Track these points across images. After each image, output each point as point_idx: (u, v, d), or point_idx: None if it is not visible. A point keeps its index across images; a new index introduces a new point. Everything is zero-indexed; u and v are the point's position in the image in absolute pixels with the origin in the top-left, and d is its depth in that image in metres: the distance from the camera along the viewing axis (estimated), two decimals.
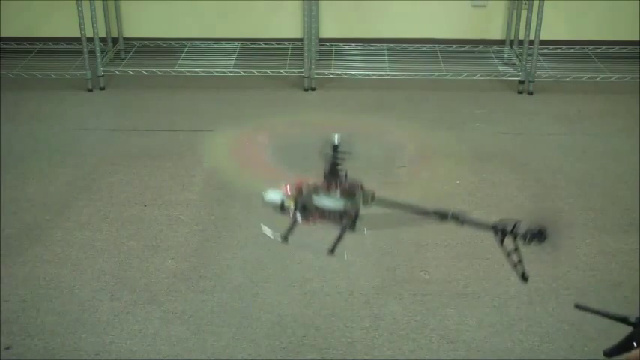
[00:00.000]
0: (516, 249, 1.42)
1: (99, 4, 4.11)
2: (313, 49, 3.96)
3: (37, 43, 4.28)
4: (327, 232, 1.46)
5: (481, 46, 4.30)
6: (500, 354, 2.06)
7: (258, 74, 3.94)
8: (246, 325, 2.16)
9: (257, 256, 2.49)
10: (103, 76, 3.91)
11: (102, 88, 3.92)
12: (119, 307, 2.23)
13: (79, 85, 3.91)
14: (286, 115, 3.61)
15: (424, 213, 1.54)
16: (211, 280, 2.36)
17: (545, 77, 3.90)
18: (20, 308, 2.23)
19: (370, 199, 1.51)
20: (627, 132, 3.43)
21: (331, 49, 4.29)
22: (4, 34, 4.28)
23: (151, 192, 2.89)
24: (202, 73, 3.94)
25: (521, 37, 4.05)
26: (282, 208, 1.48)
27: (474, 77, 3.92)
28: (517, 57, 4.11)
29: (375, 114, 3.65)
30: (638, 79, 3.86)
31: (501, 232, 1.42)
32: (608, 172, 3.06)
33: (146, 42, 4.34)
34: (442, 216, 1.53)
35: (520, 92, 3.90)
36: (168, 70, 3.96)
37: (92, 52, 3.85)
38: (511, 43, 4.25)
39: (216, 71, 3.95)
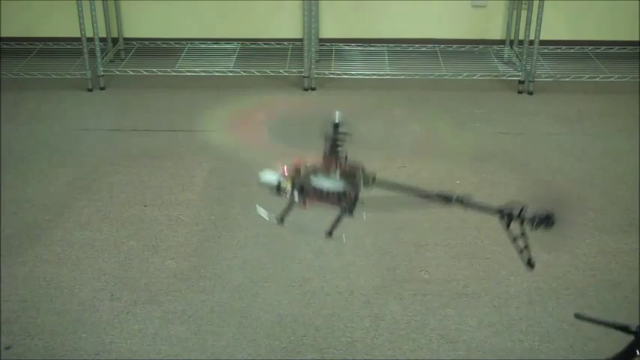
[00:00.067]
0: (523, 234, 1.36)
1: (99, 4, 4.11)
2: (313, 49, 3.96)
3: (37, 43, 4.28)
4: (325, 215, 1.40)
5: (481, 46, 4.30)
6: (500, 354, 2.06)
7: (258, 74, 3.94)
8: (246, 325, 2.16)
9: (257, 256, 2.49)
10: (103, 76, 3.91)
11: (102, 88, 3.92)
12: (119, 307, 2.23)
13: (79, 85, 3.91)
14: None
15: (427, 196, 1.46)
16: (211, 280, 2.36)
17: (545, 77, 3.90)
18: (20, 308, 2.23)
19: (371, 180, 1.45)
20: (627, 132, 3.43)
21: (331, 49, 4.29)
22: (4, 34, 4.28)
23: (151, 192, 2.89)
24: (202, 73, 3.94)
25: (521, 37, 4.05)
26: (278, 189, 1.42)
27: (474, 77, 3.92)
28: (517, 57, 4.11)
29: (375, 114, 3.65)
30: (638, 79, 3.86)
31: (507, 216, 1.37)
32: (608, 172, 3.06)
33: (146, 42, 4.34)
34: (446, 199, 1.45)
35: (520, 92, 3.90)
36: (168, 70, 3.96)
37: (92, 52, 3.85)
38: (511, 43, 4.25)
39: (216, 71, 3.95)
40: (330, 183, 1.40)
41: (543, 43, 3.88)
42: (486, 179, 2.98)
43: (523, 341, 2.10)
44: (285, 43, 4.30)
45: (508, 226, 1.38)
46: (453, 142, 3.32)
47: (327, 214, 1.40)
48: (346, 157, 1.41)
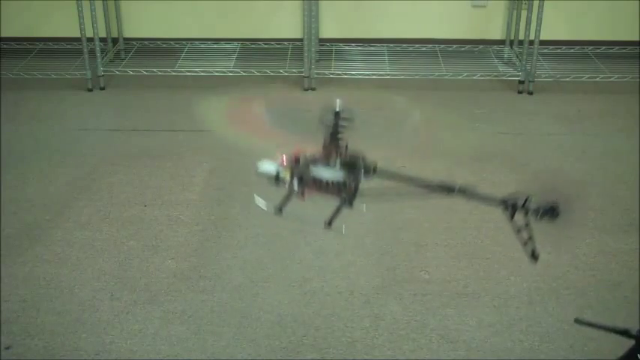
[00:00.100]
0: (527, 225, 1.33)
1: (99, 4, 4.11)
2: (313, 49, 3.96)
3: (37, 43, 4.28)
4: (325, 205, 1.37)
5: (481, 46, 4.30)
6: (500, 354, 2.06)
7: (258, 74, 3.94)
8: (246, 325, 2.16)
9: (257, 256, 2.49)
10: (103, 76, 3.91)
11: (102, 88, 3.92)
12: (119, 307, 2.23)
13: (79, 85, 3.91)
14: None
15: (429, 186, 1.43)
16: (211, 280, 2.36)
17: (545, 77, 3.90)
18: (20, 308, 2.23)
19: (372, 170, 1.40)
20: (627, 132, 3.43)
21: (331, 49, 4.29)
22: (4, 34, 4.28)
23: (151, 192, 2.89)
24: (202, 73, 3.94)
25: (521, 37, 4.05)
26: (277, 179, 1.38)
27: (474, 77, 3.92)
28: (517, 57, 4.11)
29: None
30: (638, 79, 3.86)
31: (512, 206, 1.33)
32: (608, 172, 3.06)
33: (146, 42, 4.34)
34: (448, 189, 1.42)
35: (520, 92, 3.90)
36: (168, 70, 3.96)
37: (92, 52, 3.85)
38: (511, 43, 4.25)
39: (216, 71, 3.95)
40: (329, 173, 1.36)
41: (543, 43, 3.88)
42: (486, 179, 2.98)
43: (523, 341, 2.10)
44: (285, 43, 4.30)
45: (512, 216, 1.33)
46: (453, 142, 3.32)
47: (326, 204, 1.37)
48: (347, 146, 1.38)
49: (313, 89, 3.90)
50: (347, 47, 4.30)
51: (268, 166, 1.38)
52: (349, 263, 2.45)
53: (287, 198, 1.38)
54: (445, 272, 2.40)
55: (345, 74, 3.94)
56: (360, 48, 4.30)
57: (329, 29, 4.29)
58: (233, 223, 2.68)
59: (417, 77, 3.94)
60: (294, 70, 3.95)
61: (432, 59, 4.15)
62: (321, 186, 1.35)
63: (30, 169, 3.07)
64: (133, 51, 4.30)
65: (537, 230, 1.36)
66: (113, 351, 2.06)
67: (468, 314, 2.21)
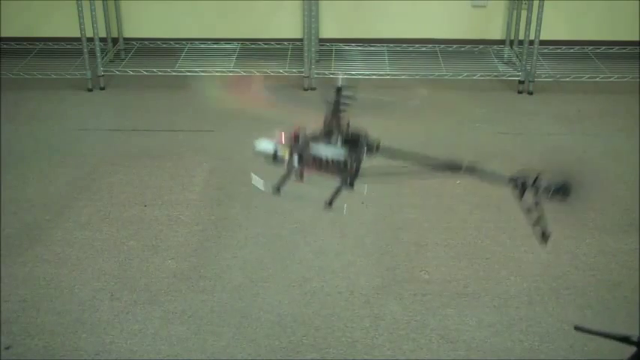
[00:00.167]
0: (537, 204, 1.26)
1: (99, 4, 4.11)
2: (313, 49, 3.96)
3: (37, 43, 4.28)
4: (325, 186, 1.32)
5: (481, 46, 4.30)
6: (500, 354, 2.06)
7: (258, 74, 3.94)
8: (246, 325, 2.16)
9: (257, 256, 2.49)
10: (103, 76, 3.91)
11: (102, 88, 3.92)
12: (119, 307, 2.23)
13: (79, 85, 3.91)
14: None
15: (435, 165, 1.34)
16: (211, 280, 2.36)
17: (545, 77, 3.90)
18: (20, 308, 2.23)
19: (375, 148, 1.34)
20: (627, 132, 3.43)
21: (331, 49, 4.29)
22: (4, 34, 4.28)
23: (151, 192, 2.89)
24: (202, 73, 3.94)
25: (521, 37, 4.05)
26: (274, 158, 1.31)
27: (474, 77, 3.92)
28: (517, 57, 4.11)
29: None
30: (638, 79, 3.86)
31: (521, 185, 1.26)
32: (608, 172, 3.06)
33: (146, 42, 4.34)
34: (455, 168, 1.33)
35: (520, 92, 3.90)
36: (168, 70, 3.96)
37: (92, 52, 3.85)
38: (511, 43, 4.25)
39: (216, 71, 3.95)
40: (330, 150, 1.30)
41: (543, 43, 3.88)
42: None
43: (523, 341, 2.10)
44: (285, 43, 4.30)
45: (522, 195, 1.27)
46: (452, 142, 3.32)
47: (326, 185, 1.32)
48: (349, 123, 1.32)
49: (313, 89, 3.90)
50: (347, 47, 4.30)
51: (266, 145, 1.33)
52: (349, 263, 2.45)
53: (285, 177, 1.33)
54: (445, 272, 2.40)
55: (345, 74, 3.94)
56: (360, 48, 4.29)
57: (329, 29, 4.29)
58: (233, 223, 2.68)
59: (417, 77, 3.94)
60: (294, 70, 3.95)
61: (432, 59, 4.15)
62: (321, 165, 1.29)
63: (30, 169, 3.07)
64: (133, 51, 4.30)
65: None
66: (113, 351, 2.06)
67: (468, 314, 2.21)
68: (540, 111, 3.69)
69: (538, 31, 3.75)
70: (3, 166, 3.07)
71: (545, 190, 1.25)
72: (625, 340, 1.29)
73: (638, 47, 4.19)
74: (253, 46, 4.30)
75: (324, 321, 2.18)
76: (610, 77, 3.87)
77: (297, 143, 1.30)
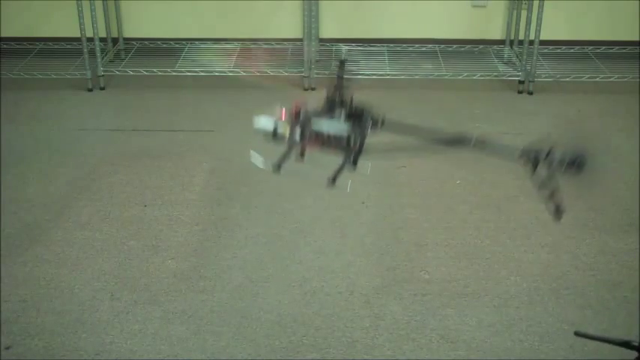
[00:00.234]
0: (551, 178, 1.20)
1: (99, 4, 4.11)
2: (313, 49, 3.96)
3: (37, 43, 4.27)
4: (327, 163, 1.27)
5: (481, 46, 4.30)
6: (500, 354, 2.06)
7: (258, 74, 3.94)
8: (246, 325, 2.16)
9: (257, 256, 2.49)
10: (103, 76, 3.91)
11: (102, 88, 3.92)
12: (119, 307, 2.23)
13: (79, 85, 3.91)
14: None
15: (443, 139, 1.28)
16: (211, 280, 2.36)
17: (545, 77, 3.90)
18: (20, 308, 2.23)
19: (380, 123, 1.28)
20: (627, 132, 3.43)
21: (331, 49, 4.29)
22: (4, 34, 4.28)
23: (151, 192, 2.89)
24: (202, 73, 3.94)
25: (521, 37, 4.05)
26: (274, 135, 1.26)
27: (474, 77, 3.92)
28: (517, 57, 4.11)
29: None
30: (638, 79, 3.86)
31: (534, 158, 1.20)
32: (608, 172, 3.06)
33: (146, 42, 4.34)
34: (463, 142, 1.26)
35: (520, 92, 3.90)
36: (168, 70, 3.96)
37: (92, 52, 3.85)
38: (511, 43, 4.25)
39: (216, 71, 3.95)
40: (333, 126, 1.24)
41: (543, 43, 3.88)
42: (486, 179, 2.98)
43: (523, 341, 2.10)
44: (285, 43, 4.30)
45: (534, 169, 1.20)
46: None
47: (328, 163, 1.27)
48: (352, 98, 1.27)
49: (313, 89, 3.90)
50: (347, 47, 4.30)
51: (265, 122, 1.28)
52: (349, 263, 2.45)
53: (286, 154, 1.27)
54: (445, 272, 2.40)
55: (345, 74, 3.93)
56: (360, 48, 4.29)
57: (329, 29, 4.29)
58: (233, 223, 2.68)
59: (417, 77, 3.94)
60: (294, 70, 3.95)
61: (432, 59, 4.15)
62: (323, 141, 1.23)
63: (30, 169, 3.07)
64: (133, 51, 4.30)
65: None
66: (113, 351, 2.06)
67: (468, 314, 2.20)
68: (540, 111, 3.69)
69: (538, 31, 3.75)
70: (3, 166, 3.07)
71: (559, 163, 1.20)
72: (625, 345, 1.28)
73: (638, 47, 4.18)
74: (253, 46, 4.30)
75: (324, 321, 2.18)
76: (610, 77, 3.87)
77: (299, 119, 1.25)
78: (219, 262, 2.45)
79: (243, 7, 4.24)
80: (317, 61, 4.07)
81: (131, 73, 3.95)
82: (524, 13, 3.99)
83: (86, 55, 3.83)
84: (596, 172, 1.21)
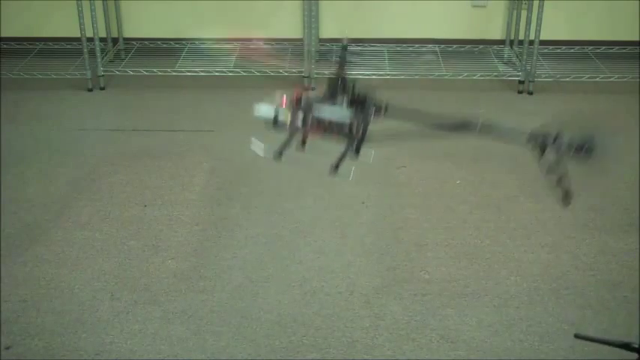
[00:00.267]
0: (559, 162, 1.18)
1: (99, 4, 4.11)
2: (313, 49, 3.96)
3: (37, 43, 4.27)
4: (329, 151, 1.24)
5: (481, 46, 4.30)
6: (500, 354, 2.06)
7: (258, 74, 3.94)
8: (246, 325, 2.16)
9: (257, 256, 2.49)
10: (103, 76, 3.91)
11: (102, 88, 3.92)
12: (119, 307, 2.23)
13: (79, 85, 3.91)
14: None
15: (447, 125, 1.26)
16: (211, 280, 2.36)
17: (545, 77, 3.90)
18: (20, 308, 2.23)
19: (383, 109, 1.26)
20: (627, 132, 3.43)
21: (331, 49, 4.29)
22: (4, 34, 4.28)
23: (151, 192, 2.89)
24: (202, 73, 3.94)
25: (521, 37, 4.04)
26: (275, 122, 1.23)
27: (474, 77, 3.92)
28: (517, 57, 4.11)
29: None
30: (638, 79, 3.86)
31: (542, 142, 1.17)
32: (608, 172, 3.06)
33: (146, 42, 4.34)
34: (469, 127, 1.24)
35: (520, 92, 3.90)
36: (169, 70, 3.96)
37: (92, 52, 3.85)
38: (511, 43, 4.25)
39: (216, 71, 3.95)
40: (336, 112, 1.22)
41: (543, 43, 3.88)
42: (486, 179, 2.98)
43: (523, 341, 2.10)
44: (285, 43, 4.30)
45: (542, 154, 1.18)
46: (452, 142, 3.31)
47: (330, 151, 1.25)
48: (354, 84, 1.25)
49: (313, 89, 3.90)
50: (347, 47, 4.29)
51: (266, 109, 1.25)
52: (349, 263, 2.45)
53: (287, 142, 1.25)
54: (445, 272, 2.40)
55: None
56: (360, 48, 4.29)
57: (329, 29, 4.29)
58: (233, 223, 2.68)
59: (417, 77, 3.94)
60: (294, 70, 3.95)
61: (432, 59, 4.15)
62: (325, 128, 1.21)
63: (30, 169, 3.07)
64: (133, 51, 4.30)
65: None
66: (113, 351, 2.06)
67: (468, 314, 2.20)
68: (540, 111, 3.69)
69: (538, 31, 3.75)
70: (3, 166, 3.07)
71: (568, 147, 1.17)
72: (626, 346, 1.28)
73: (638, 47, 4.18)
74: (253, 46, 4.30)
75: (324, 321, 2.18)
76: (610, 77, 3.87)
77: (300, 106, 1.23)
78: (219, 262, 2.45)
79: (243, 7, 4.24)
80: (317, 60, 4.08)
81: (131, 73, 3.95)
82: (524, 13, 3.99)
83: (86, 55, 3.83)
84: (606, 156, 1.18)
